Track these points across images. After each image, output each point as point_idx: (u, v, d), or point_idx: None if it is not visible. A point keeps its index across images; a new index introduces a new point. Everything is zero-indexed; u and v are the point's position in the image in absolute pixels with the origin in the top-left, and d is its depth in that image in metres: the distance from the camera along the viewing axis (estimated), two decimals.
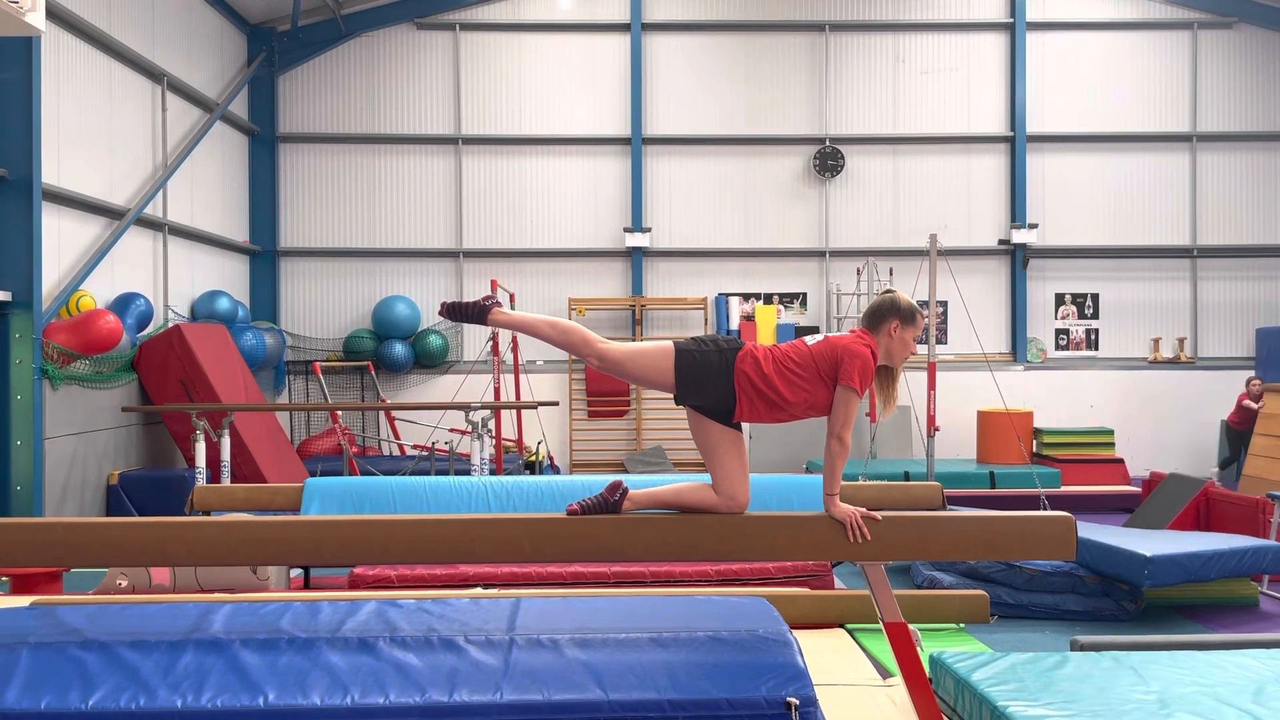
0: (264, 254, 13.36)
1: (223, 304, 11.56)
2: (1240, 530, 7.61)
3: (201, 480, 8.80)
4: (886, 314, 3.58)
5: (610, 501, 3.45)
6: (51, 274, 8.80)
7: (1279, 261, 13.78)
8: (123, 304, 9.75)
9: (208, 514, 6.47)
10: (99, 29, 9.55)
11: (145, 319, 10.04)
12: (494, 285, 11.42)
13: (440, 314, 3.57)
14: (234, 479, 9.60)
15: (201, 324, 10.84)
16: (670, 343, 3.54)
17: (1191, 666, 3.86)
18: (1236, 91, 13.78)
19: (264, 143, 13.35)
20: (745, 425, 3.58)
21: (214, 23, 12.26)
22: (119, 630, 3.55)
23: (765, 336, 13.35)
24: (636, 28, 13.50)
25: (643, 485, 6.70)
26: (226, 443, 9.03)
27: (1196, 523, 8.26)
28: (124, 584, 6.11)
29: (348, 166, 13.60)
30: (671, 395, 3.53)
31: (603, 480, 6.65)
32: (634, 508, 3.49)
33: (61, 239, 9.02)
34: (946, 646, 5.32)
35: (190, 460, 9.31)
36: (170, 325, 10.48)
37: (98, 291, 9.45)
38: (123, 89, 10.18)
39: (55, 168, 8.85)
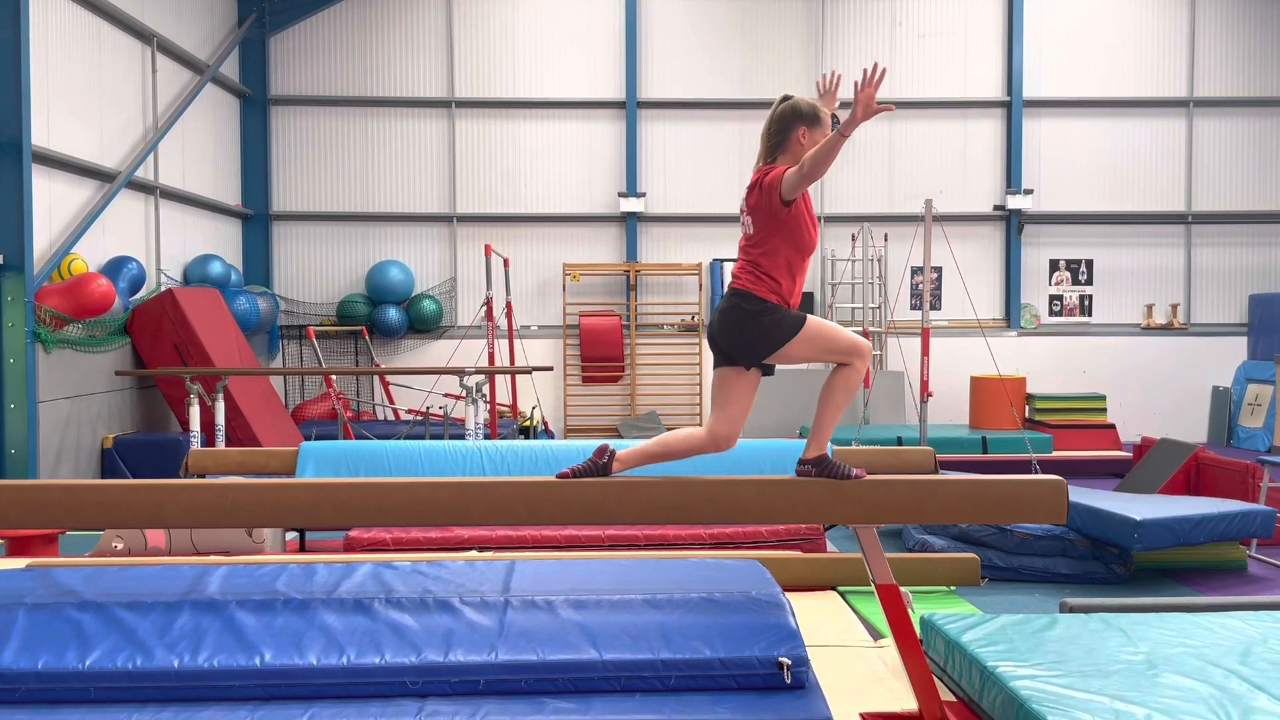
0: (256, 217, 13.29)
1: (215, 268, 11.51)
2: (1230, 495, 7.67)
3: (196, 444, 8.80)
4: (790, 123, 3.51)
5: (599, 464, 3.46)
6: (43, 237, 8.75)
7: (1272, 228, 13.78)
8: (115, 267, 9.71)
9: (202, 477, 6.48)
10: None
11: (137, 283, 10.00)
12: (488, 250, 11.39)
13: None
14: (228, 443, 9.60)
15: (194, 288, 10.81)
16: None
17: (1179, 628, 3.90)
18: (1233, 56, 13.70)
19: (256, 105, 13.24)
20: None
21: None
22: (115, 591, 3.57)
23: None
24: None
25: None
26: (221, 407, 9.03)
27: (1187, 487, 8.31)
28: (119, 546, 6.13)
29: (341, 129, 13.50)
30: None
31: (599, 445, 6.67)
32: (623, 467, 3.50)
33: (52, 202, 8.96)
34: (937, 608, 5.37)
35: (184, 424, 9.31)
36: (163, 289, 10.44)
37: (89, 255, 9.41)
38: (112, 50, 10.07)
39: (45, 130, 8.77)
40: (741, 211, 3.57)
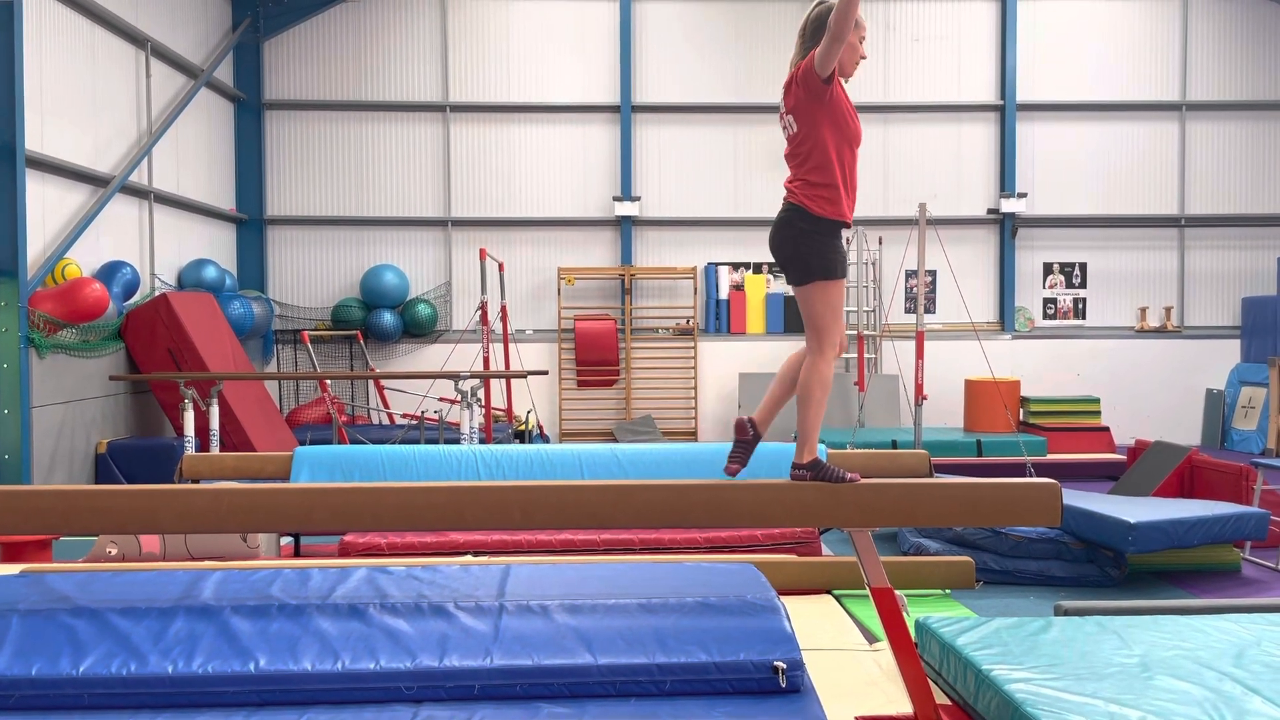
0: (251, 222, 13.27)
1: (210, 273, 11.49)
2: (1223, 497, 7.68)
3: (190, 449, 8.78)
4: (826, 23, 3.48)
5: (748, 440, 3.50)
6: (36, 242, 8.74)
7: (1265, 231, 13.82)
8: (109, 272, 9.69)
9: (197, 482, 6.47)
10: None
11: (131, 288, 9.98)
12: (483, 254, 11.39)
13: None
14: (223, 448, 9.58)
15: (189, 292, 10.79)
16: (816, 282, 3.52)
17: (1174, 630, 3.91)
18: (1225, 60, 13.75)
19: (250, 109, 13.23)
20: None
21: None
22: (109, 597, 3.56)
23: (754, 306, 13.36)
24: None
25: (633, 454, 6.73)
26: (215, 411, 9.01)
27: (1180, 490, 8.32)
28: (114, 552, 6.11)
29: (335, 134, 13.50)
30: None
31: (594, 449, 6.67)
32: (767, 427, 3.56)
33: (45, 207, 8.95)
34: (932, 612, 5.37)
35: (179, 429, 9.29)
36: (157, 294, 10.42)
37: (83, 260, 9.39)
38: (105, 54, 10.06)
39: (39, 134, 8.76)
40: (781, 117, 3.61)
